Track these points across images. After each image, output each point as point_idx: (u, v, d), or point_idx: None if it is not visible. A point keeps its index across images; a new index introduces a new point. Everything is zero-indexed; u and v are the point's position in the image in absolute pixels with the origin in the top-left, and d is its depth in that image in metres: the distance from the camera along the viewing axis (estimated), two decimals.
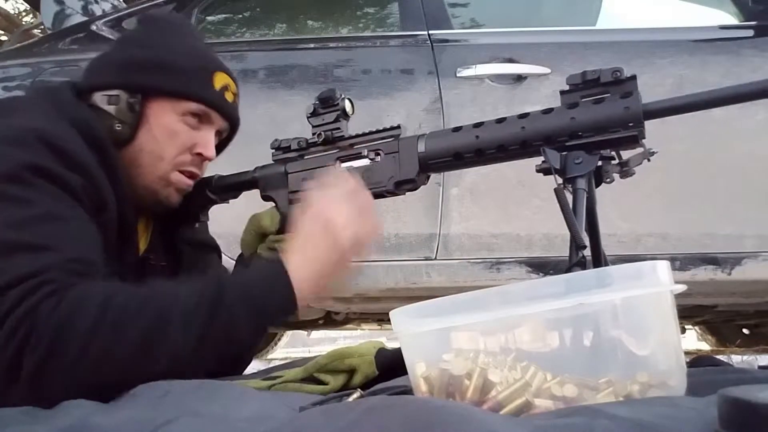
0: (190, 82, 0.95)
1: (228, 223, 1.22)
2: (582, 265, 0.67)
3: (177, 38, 0.98)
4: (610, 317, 0.48)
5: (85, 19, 2.19)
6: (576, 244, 0.67)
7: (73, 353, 0.67)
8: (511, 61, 1.88)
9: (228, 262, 1.19)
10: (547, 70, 1.84)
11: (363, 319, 2.57)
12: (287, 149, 1.00)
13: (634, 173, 0.76)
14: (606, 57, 1.81)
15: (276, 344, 3.48)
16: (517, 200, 1.80)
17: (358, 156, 0.93)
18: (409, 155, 0.87)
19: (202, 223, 1.09)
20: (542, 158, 0.75)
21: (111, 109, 0.93)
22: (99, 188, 0.84)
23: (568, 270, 0.67)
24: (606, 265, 0.74)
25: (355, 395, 0.58)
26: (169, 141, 0.95)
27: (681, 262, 1.77)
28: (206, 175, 1.04)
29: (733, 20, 1.98)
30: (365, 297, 1.90)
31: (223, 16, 2.33)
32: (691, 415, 0.41)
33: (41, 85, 0.99)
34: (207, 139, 0.99)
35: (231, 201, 1.09)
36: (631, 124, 0.72)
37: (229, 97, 0.99)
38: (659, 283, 0.50)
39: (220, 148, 1.05)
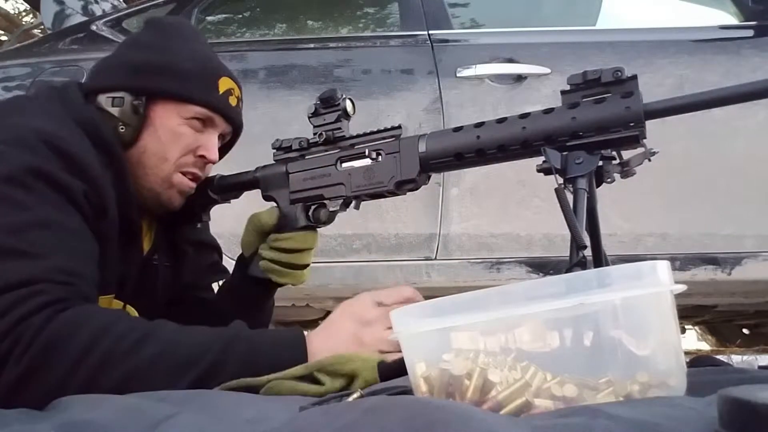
0: (195, 86, 0.95)
1: (228, 223, 1.22)
2: (583, 265, 0.67)
3: (182, 42, 0.98)
4: (610, 317, 0.48)
5: (85, 19, 2.19)
6: (577, 244, 0.67)
7: (56, 375, 0.67)
8: (511, 61, 1.88)
9: (228, 262, 1.19)
10: (547, 70, 1.84)
11: None
12: (288, 149, 1.01)
13: (635, 173, 0.76)
14: (606, 57, 1.82)
15: None
16: (517, 200, 1.81)
17: (359, 156, 0.93)
18: (410, 155, 0.87)
19: (203, 223, 1.09)
20: (543, 158, 0.75)
21: (115, 111, 0.93)
22: (101, 193, 0.83)
23: (569, 270, 0.67)
24: (607, 265, 0.74)
25: (354, 395, 0.58)
26: (172, 143, 0.96)
27: (681, 262, 1.78)
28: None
29: (733, 20, 1.99)
30: None
31: (223, 16, 2.33)
32: (691, 415, 0.41)
33: (47, 84, 0.99)
34: (210, 142, 0.99)
35: (232, 201, 1.09)
36: (632, 124, 0.72)
37: (232, 101, 1.00)
38: (659, 283, 0.50)
39: (223, 151, 1.06)
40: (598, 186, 0.74)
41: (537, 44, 1.92)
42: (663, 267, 0.50)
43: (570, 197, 0.71)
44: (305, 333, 0.79)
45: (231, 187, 1.05)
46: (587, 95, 0.75)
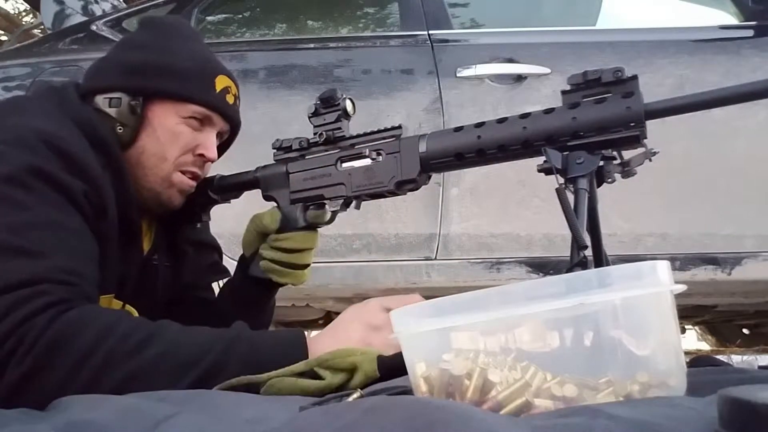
0: (192, 85, 0.95)
1: (228, 223, 1.22)
2: (583, 265, 0.67)
3: (178, 41, 0.98)
4: (610, 317, 0.48)
5: (85, 19, 2.19)
6: (577, 245, 0.67)
7: (59, 376, 0.67)
8: (511, 61, 1.88)
9: (228, 262, 1.19)
10: (547, 70, 1.84)
11: None
12: (289, 149, 1.01)
13: (635, 173, 0.76)
14: (606, 57, 1.82)
15: None
16: (517, 200, 1.81)
17: (360, 156, 0.93)
18: (411, 155, 0.87)
19: (203, 223, 1.09)
20: (544, 158, 0.75)
21: (112, 111, 0.93)
22: (101, 193, 0.84)
23: (569, 270, 0.67)
24: (608, 265, 0.74)
25: (354, 395, 0.58)
26: (171, 142, 0.96)
27: (681, 262, 1.78)
28: (208, 174, 1.05)
29: (733, 20, 1.99)
30: (365, 297, 1.90)
31: (223, 16, 2.33)
32: (691, 415, 0.41)
33: (45, 85, 0.98)
34: (209, 141, 0.99)
35: (232, 201, 1.09)
36: (632, 124, 0.72)
37: (230, 99, 1.00)
38: (659, 283, 0.50)
39: (221, 149, 1.06)
40: (599, 186, 0.74)
41: (537, 44, 1.92)
42: (663, 267, 0.50)
43: (571, 197, 0.71)
44: (311, 335, 0.79)
45: (231, 187, 1.05)
46: (588, 95, 0.75)
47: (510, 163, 0.84)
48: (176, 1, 2.15)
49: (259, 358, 0.73)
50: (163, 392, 0.64)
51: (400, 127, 0.91)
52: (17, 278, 0.69)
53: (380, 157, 0.90)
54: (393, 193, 0.91)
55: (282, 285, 1.03)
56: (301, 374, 0.71)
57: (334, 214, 0.98)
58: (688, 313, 2.33)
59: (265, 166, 1.03)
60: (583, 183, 0.71)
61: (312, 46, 2.04)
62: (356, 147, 0.94)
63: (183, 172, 0.98)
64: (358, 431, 0.41)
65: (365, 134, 0.94)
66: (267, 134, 1.08)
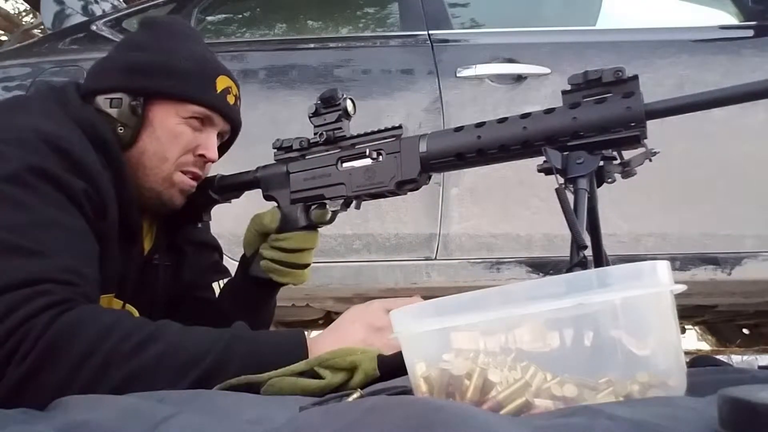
0: (193, 86, 0.95)
1: (229, 223, 1.22)
2: (583, 265, 0.67)
3: (179, 42, 0.98)
4: (610, 317, 0.48)
5: (85, 19, 2.19)
6: (577, 245, 0.67)
7: (60, 375, 0.67)
8: (511, 61, 1.88)
9: (228, 262, 1.19)
10: (547, 70, 1.84)
11: None
12: (289, 149, 1.01)
13: (635, 173, 0.76)
14: (606, 57, 1.82)
15: None
16: (517, 200, 1.81)
17: (360, 156, 0.93)
18: (411, 155, 0.87)
19: (204, 223, 1.09)
20: (544, 158, 0.75)
21: (113, 111, 0.93)
22: (102, 192, 0.84)
23: (569, 270, 0.67)
24: (608, 265, 0.74)
25: (354, 395, 0.58)
26: (172, 142, 0.96)
27: (681, 262, 1.78)
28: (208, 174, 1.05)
29: (733, 20, 1.98)
30: (365, 297, 1.90)
31: (223, 16, 2.33)
32: (691, 415, 0.41)
33: (46, 85, 0.99)
34: (209, 141, 0.99)
35: (233, 201, 1.09)
36: (633, 124, 0.72)
37: (230, 99, 1.00)
38: (659, 283, 0.50)
39: (222, 150, 1.06)
40: (599, 186, 0.74)
41: (537, 44, 1.92)
42: (663, 267, 0.50)
43: (570, 197, 0.71)
44: (311, 335, 0.80)
45: (232, 187, 1.05)
46: (588, 95, 0.75)
47: (510, 163, 0.84)
48: (176, 1, 2.15)
49: (260, 358, 0.73)
50: (163, 392, 0.64)
51: (400, 127, 0.91)
52: (18, 278, 0.69)
53: (381, 157, 0.91)
54: (393, 193, 0.91)
55: (283, 285, 1.03)
56: (301, 374, 0.71)
57: (335, 213, 0.98)
58: (688, 313, 2.33)
59: (265, 166, 1.03)
60: (583, 183, 0.71)
61: (312, 46, 2.04)
62: (357, 147, 0.94)
63: (184, 172, 0.98)
64: (358, 431, 0.41)
65: (366, 134, 0.94)
66: (267, 134, 1.08)
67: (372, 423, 0.41)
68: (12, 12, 6.37)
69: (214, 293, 1.16)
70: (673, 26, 1.97)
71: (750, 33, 1.91)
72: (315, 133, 0.97)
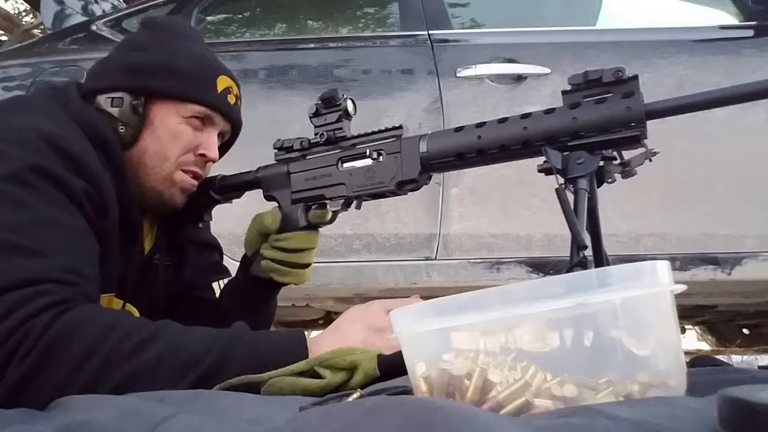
0: (194, 85, 0.96)
1: (229, 223, 1.22)
2: (583, 265, 0.67)
3: (179, 41, 0.99)
4: (610, 317, 0.48)
5: (85, 19, 2.19)
6: (577, 245, 0.67)
7: (60, 375, 0.67)
8: (511, 61, 1.88)
9: (228, 262, 1.19)
10: (547, 70, 1.84)
11: None
12: (290, 149, 1.01)
13: (635, 173, 0.76)
14: (606, 57, 1.82)
15: None
16: (517, 200, 1.81)
17: (361, 156, 0.93)
18: (411, 155, 0.87)
19: (204, 222, 1.10)
20: (544, 158, 0.75)
21: (114, 111, 0.93)
22: (102, 192, 0.84)
23: (569, 270, 0.67)
24: (608, 265, 0.74)
25: (354, 395, 0.58)
26: (173, 141, 0.96)
27: (681, 262, 1.77)
28: (209, 175, 1.05)
29: (733, 20, 1.99)
30: (365, 297, 1.90)
31: (223, 16, 2.33)
32: (691, 415, 0.41)
33: (46, 84, 0.99)
34: (210, 141, 0.99)
35: (233, 201, 1.09)
36: (633, 124, 0.72)
37: (231, 99, 1.00)
38: (659, 283, 0.50)
39: (222, 150, 1.06)
40: (599, 186, 0.74)
41: (537, 44, 1.92)
42: (663, 267, 0.50)
43: (571, 197, 0.71)
44: (311, 335, 0.79)
45: (232, 187, 1.05)
46: (588, 95, 0.75)
47: (510, 163, 0.84)
48: (176, 1, 2.15)
49: (260, 358, 0.73)
50: (163, 392, 0.64)
51: (401, 127, 0.91)
52: (19, 277, 0.69)
53: (381, 157, 0.91)
54: (394, 193, 0.91)
55: (283, 285, 1.03)
56: (301, 373, 0.71)
57: (335, 214, 0.98)
58: (688, 313, 2.33)
59: (266, 166, 1.03)
60: (583, 183, 0.71)
61: (312, 46, 2.04)
62: (357, 147, 0.94)
63: (185, 172, 0.98)
64: (358, 431, 0.41)
65: (366, 134, 0.94)
66: (267, 134, 1.08)
67: (372, 423, 0.41)
68: (12, 12, 6.37)
69: (215, 293, 1.16)
70: (673, 26, 1.97)
71: (750, 33, 1.91)
72: (315, 134, 0.97)
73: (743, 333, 3.02)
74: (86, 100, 0.94)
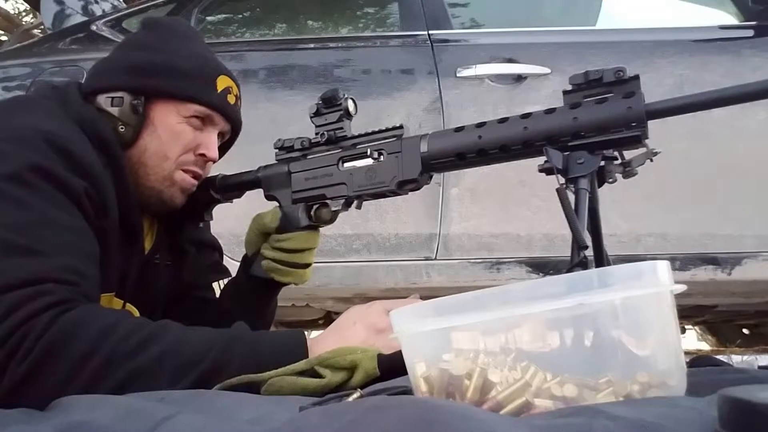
0: (194, 85, 0.96)
1: (229, 222, 1.22)
2: (584, 265, 0.67)
3: (179, 41, 0.99)
4: (610, 317, 0.48)
5: (85, 19, 2.19)
6: (578, 245, 0.67)
7: (60, 375, 0.67)
8: (511, 61, 1.88)
9: (228, 262, 1.19)
10: (547, 70, 1.84)
11: None
12: (290, 149, 1.01)
13: (636, 173, 0.76)
14: (606, 57, 1.82)
15: None
16: (517, 200, 1.81)
17: (361, 156, 0.93)
18: (412, 155, 0.87)
19: (205, 222, 1.10)
20: (545, 158, 0.75)
21: (114, 110, 0.93)
22: (102, 191, 0.84)
23: (570, 270, 0.67)
24: (609, 265, 0.74)
25: (354, 395, 0.58)
26: (173, 141, 0.96)
27: (681, 262, 1.78)
28: (209, 174, 1.05)
29: (733, 20, 1.99)
30: (365, 297, 1.90)
31: (223, 16, 2.33)
32: (691, 415, 0.41)
33: (47, 84, 0.99)
34: (210, 141, 0.99)
35: (234, 201, 1.09)
36: (633, 124, 0.72)
37: (231, 99, 1.00)
38: (659, 283, 0.50)
39: (222, 150, 1.06)
40: (600, 186, 0.74)
41: (537, 44, 1.92)
42: (663, 267, 0.50)
43: (571, 197, 0.71)
44: (311, 335, 0.79)
45: (233, 187, 1.05)
46: (589, 95, 0.75)
47: (510, 163, 0.84)
48: (176, 1, 2.15)
49: (260, 358, 0.73)
50: (163, 392, 0.64)
51: (401, 127, 0.91)
52: (19, 277, 0.69)
53: (382, 157, 0.91)
54: (394, 193, 0.91)
55: (284, 285, 1.03)
56: (301, 373, 0.71)
57: (336, 213, 0.98)
58: (688, 313, 2.33)
59: (267, 166, 1.03)
60: (584, 183, 0.71)
61: (312, 46, 2.04)
62: (358, 147, 0.94)
63: (185, 171, 0.98)
64: (358, 431, 0.41)
65: (367, 134, 0.94)
66: (267, 134, 1.08)
67: (372, 423, 0.41)
68: (12, 12, 6.37)
69: (215, 293, 1.16)
70: (673, 26, 1.97)
71: (750, 33, 1.91)
72: (316, 133, 0.97)
73: (743, 333, 3.02)
74: (86, 100, 0.94)
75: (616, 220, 1.74)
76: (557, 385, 0.47)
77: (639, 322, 0.49)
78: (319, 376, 0.71)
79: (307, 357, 0.75)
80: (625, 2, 2.30)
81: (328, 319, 2.29)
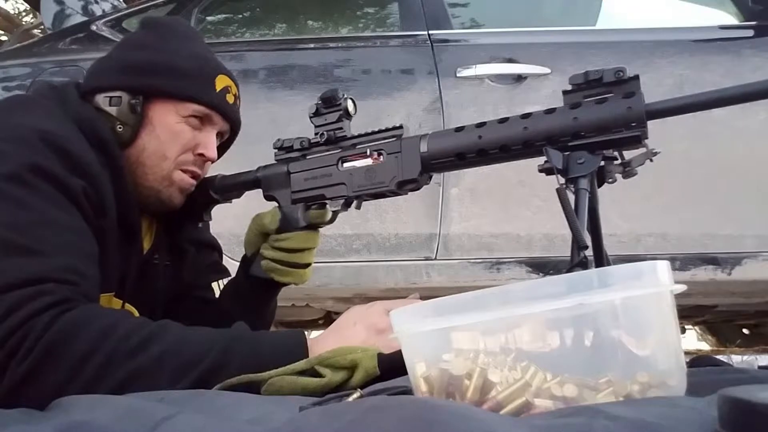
0: (193, 85, 0.96)
1: (229, 222, 1.22)
2: (584, 265, 0.67)
3: (179, 41, 0.99)
4: (610, 317, 0.48)
5: (85, 19, 2.19)
6: (578, 245, 0.67)
7: (60, 375, 0.67)
8: (511, 61, 1.88)
9: (228, 262, 1.19)
10: (547, 70, 1.84)
11: None
12: (290, 149, 1.01)
13: (636, 173, 0.76)
14: (606, 57, 1.82)
15: None
16: (517, 200, 1.81)
17: (361, 156, 0.93)
18: (412, 155, 0.87)
19: (204, 222, 1.09)
20: (545, 158, 0.75)
21: (113, 110, 0.93)
22: (101, 191, 0.84)
23: (570, 270, 0.67)
24: (609, 265, 0.74)
25: (354, 395, 0.58)
26: (171, 141, 0.96)
27: (681, 262, 1.78)
28: (209, 174, 1.05)
29: (733, 20, 1.99)
30: (365, 297, 1.91)
31: (223, 16, 2.33)
32: (691, 415, 0.41)
33: (46, 84, 0.99)
34: (209, 140, 0.99)
35: (233, 201, 1.09)
36: (633, 125, 0.72)
37: (230, 99, 1.00)
38: (659, 283, 0.50)
39: (221, 150, 1.06)
40: (599, 186, 0.74)
41: (537, 44, 1.92)
42: (663, 267, 0.50)
43: (571, 197, 0.71)
44: (311, 335, 0.79)
45: (232, 187, 1.05)
46: (589, 95, 0.75)
47: (510, 163, 0.84)
48: (176, 1, 2.15)
49: (260, 358, 0.73)
50: (163, 392, 0.64)
51: (401, 127, 0.91)
52: (19, 277, 0.69)
53: (381, 157, 0.91)
54: (394, 193, 0.91)
55: (284, 285, 1.03)
56: (301, 373, 0.71)
57: (335, 213, 0.98)
58: (688, 313, 2.33)
59: (266, 166, 1.03)
60: (584, 183, 0.71)
61: (312, 46, 2.04)
62: (357, 147, 0.94)
63: (183, 171, 0.98)
64: (358, 431, 0.41)
65: (366, 134, 0.94)
66: (267, 134, 1.08)
67: (372, 423, 0.41)
68: (12, 12, 6.37)
69: (215, 293, 1.16)
70: (673, 26, 1.97)
71: (750, 33, 1.91)
72: (316, 133, 0.97)
73: (743, 333, 3.02)
74: (85, 99, 0.94)
75: (616, 220, 1.74)
76: (557, 385, 0.47)
77: (639, 322, 0.49)
78: (319, 375, 0.71)
79: (308, 357, 0.75)
80: (625, 2, 2.30)
81: (328, 319, 2.29)
